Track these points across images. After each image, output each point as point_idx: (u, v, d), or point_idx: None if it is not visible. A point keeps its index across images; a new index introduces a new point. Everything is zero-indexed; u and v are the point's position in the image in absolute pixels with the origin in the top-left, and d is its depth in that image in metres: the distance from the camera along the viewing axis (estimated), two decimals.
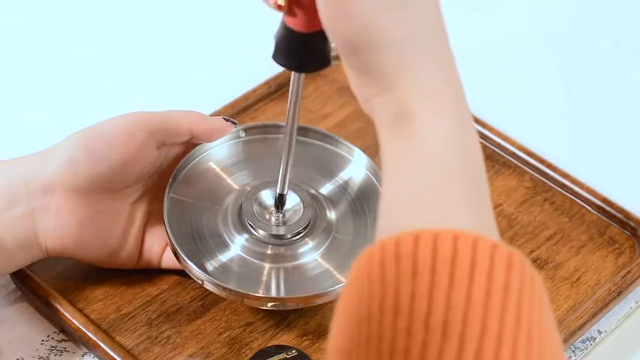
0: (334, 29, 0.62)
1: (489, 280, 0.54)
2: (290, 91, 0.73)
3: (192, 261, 0.76)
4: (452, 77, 0.63)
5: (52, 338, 0.80)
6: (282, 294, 0.78)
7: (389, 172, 0.62)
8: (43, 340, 0.80)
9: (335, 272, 0.78)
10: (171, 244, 0.78)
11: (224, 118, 0.81)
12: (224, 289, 0.75)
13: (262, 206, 0.81)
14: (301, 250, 0.79)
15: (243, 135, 0.85)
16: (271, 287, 0.78)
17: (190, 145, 0.82)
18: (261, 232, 0.79)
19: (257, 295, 0.76)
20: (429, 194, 0.59)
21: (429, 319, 0.53)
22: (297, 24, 0.66)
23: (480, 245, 0.54)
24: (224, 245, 0.80)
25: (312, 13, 0.64)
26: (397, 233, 0.55)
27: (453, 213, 0.58)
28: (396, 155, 0.61)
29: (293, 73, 0.71)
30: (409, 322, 0.53)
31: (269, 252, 0.79)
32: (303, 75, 0.72)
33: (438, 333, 0.53)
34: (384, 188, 0.61)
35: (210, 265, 0.78)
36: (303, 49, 0.67)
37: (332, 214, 0.82)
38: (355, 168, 0.84)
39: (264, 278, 0.78)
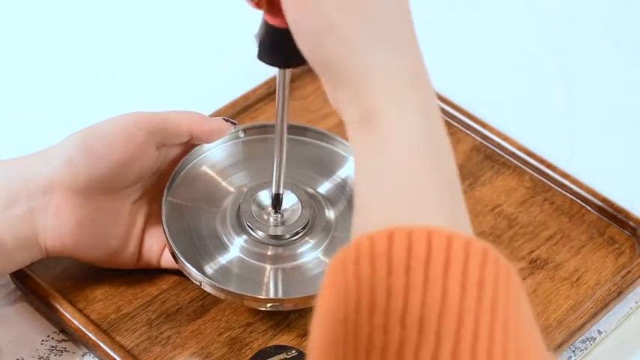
0: (295, 25, 0.62)
1: (464, 276, 0.54)
2: (277, 89, 0.73)
3: (190, 263, 0.76)
4: (418, 72, 0.62)
5: (52, 338, 0.80)
6: (282, 295, 0.78)
7: (359, 169, 0.62)
8: (43, 340, 0.80)
9: None
10: (170, 247, 0.78)
11: (223, 119, 0.81)
12: (222, 290, 0.75)
13: (260, 207, 0.81)
14: (300, 250, 0.79)
15: (242, 135, 0.85)
16: (271, 288, 0.78)
17: (189, 145, 0.82)
18: (260, 233, 0.79)
19: (255, 296, 0.76)
20: (400, 192, 0.59)
21: (405, 316, 0.53)
22: (276, 20, 0.66)
23: (454, 241, 0.54)
24: (223, 247, 0.80)
25: None
26: (371, 231, 0.55)
27: (425, 210, 0.58)
28: (365, 153, 0.61)
29: (278, 70, 0.71)
30: (385, 319, 0.53)
31: (268, 253, 0.79)
32: (288, 71, 0.72)
33: (415, 329, 0.53)
34: (357, 187, 0.62)
35: (209, 267, 0.78)
36: (286, 45, 0.67)
37: (331, 213, 0.82)
38: (352, 166, 0.84)
39: (264, 279, 0.78)
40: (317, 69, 0.64)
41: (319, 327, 0.56)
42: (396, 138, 0.60)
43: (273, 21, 0.67)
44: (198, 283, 0.77)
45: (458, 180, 0.61)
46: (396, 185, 0.59)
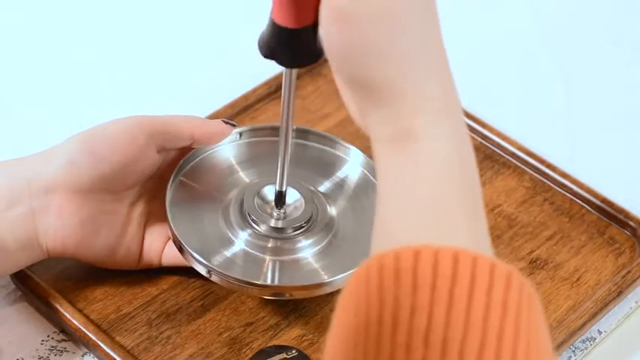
0: (333, 42, 0.62)
1: (488, 297, 0.54)
2: (283, 88, 0.73)
3: (196, 253, 0.77)
4: (450, 93, 0.63)
5: (52, 338, 0.80)
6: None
7: (387, 186, 0.61)
8: (43, 340, 0.80)
9: (338, 265, 0.78)
10: (175, 238, 0.78)
11: (223, 121, 0.82)
12: (228, 278, 0.76)
13: (264, 201, 0.81)
14: (302, 244, 0.80)
15: (239, 138, 0.85)
16: (274, 280, 0.78)
17: (188, 148, 0.82)
18: (263, 226, 0.80)
19: (263, 283, 0.76)
20: (427, 211, 0.59)
21: (429, 335, 0.53)
22: (287, 21, 0.66)
23: (480, 263, 0.55)
24: (226, 240, 0.80)
25: (301, 9, 0.64)
26: (396, 248, 0.55)
27: (451, 230, 0.59)
28: (395, 171, 0.61)
29: (285, 70, 0.72)
30: (408, 338, 0.53)
31: (270, 246, 0.79)
32: (295, 71, 0.72)
33: (438, 349, 0.53)
34: (381, 203, 0.61)
35: (212, 259, 0.78)
36: (294, 45, 0.67)
37: (332, 210, 0.82)
38: (352, 166, 0.84)
39: (265, 270, 0.78)
40: (347, 83, 0.63)
41: (337, 337, 0.56)
42: (430, 158, 0.60)
43: (284, 22, 0.66)
44: (207, 274, 0.77)
45: (482, 204, 0.61)
46: (424, 204, 0.60)
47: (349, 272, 0.76)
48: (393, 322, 0.54)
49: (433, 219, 0.59)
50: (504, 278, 0.55)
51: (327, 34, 0.62)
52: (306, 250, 0.80)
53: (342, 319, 0.56)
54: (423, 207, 0.59)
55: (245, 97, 0.96)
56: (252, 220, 0.80)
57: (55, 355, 0.79)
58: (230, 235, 0.80)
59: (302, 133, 0.86)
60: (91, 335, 0.78)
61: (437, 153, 0.61)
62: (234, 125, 0.82)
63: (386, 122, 0.62)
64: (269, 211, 0.81)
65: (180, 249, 0.78)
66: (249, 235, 0.80)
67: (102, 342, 0.77)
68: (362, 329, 0.54)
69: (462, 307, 0.53)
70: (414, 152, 0.61)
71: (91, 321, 0.79)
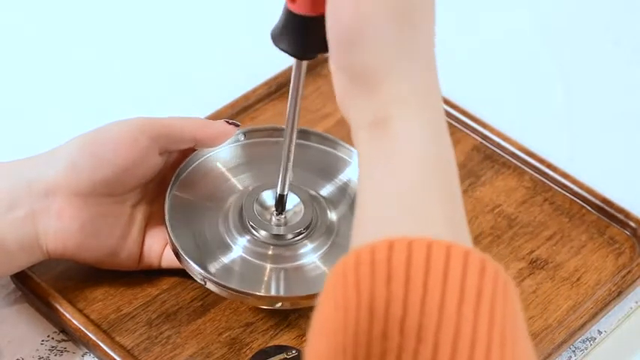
0: (336, 19, 0.63)
1: (462, 286, 0.54)
2: (292, 81, 0.73)
3: (192, 261, 0.76)
4: (434, 89, 0.64)
5: (52, 338, 0.80)
6: (283, 294, 0.78)
7: (364, 176, 0.62)
8: (43, 340, 0.80)
9: None
10: (172, 244, 0.78)
11: (225, 121, 0.81)
12: (225, 288, 0.75)
13: (263, 207, 0.81)
14: (302, 250, 0.79)
15: (242, 138, 0.85)
16: (272, 288, 0.78)
17: (190, 150, 0.82)
18: (263, 232, 0.79)
19: (259, 294, 0.76)
20: (403, 202, 0.60)
21: (404, 324, 0.54)
22: (301, 8, 0.67)
23: (453, 252, 0.55)
24: (225, 246, 0.80)
25: None
26: (371, 242, 0.56)
27: (427, 221, 0.59)
28: (371, 159, 0.62)
29: (295, 61, 0.72)
30: (384, 327, 0.54)
31: (270, 252, 0.79)
32: (304, 63, 0.72)
33: (413, 337, 0.53)
34: (359, 195, 0.62)
35: (211, 266, 0.78)
36: (307, 35, 0.67)
37: (333, 215, 0.82)
38: (354, 169, 0.84)
39: (265, 279, 0.78)
40: (338, 66, 0.65)
41: (318, 335, 0.57)
42: (405, 146, 0.61)
43: (299, 9, 0.67)
44: (202, 282, 0.77)
45: (460, 194, 0.62)
46: (401, 194, 0.60)
47: None
48: (369, 312, 0.54)
49: (408, 209, 0.60)
50: (478, 267, 0.55)
51: (332, 13, 0.63)
52: (307, 256, 0.79)
53: (321, 314, 0.57)
54: (398, 197, 0.60)
55: (245, 97, 0.96)
56: (252, 226, 0.80)
57: (55, 355, 0.79)
58: (229, 241, 0.80)
59: (303, 134, 0.85)
60: (91, 335, 0.78)
61: (411, 141, 0.61)
62: (237, 125, 0.82)
63: (366, 109, 0.63)
64: (268, 217, 0.80)
65: (178, 256, 0.78)
66: (248, 241, 0.79)
67: (102, 342, 0.77)
68: (340, 322, 0.55)
69: (436, 296, 0.54)
70: (388, 139, 0.62)
71: (91, 321, 0.79)
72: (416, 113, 0.62)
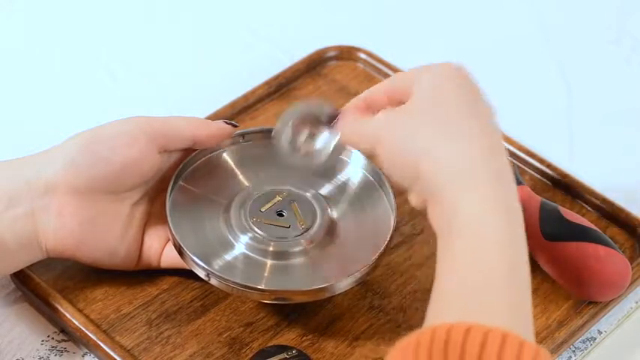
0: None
1: None
2: None
3: (195, 256, 0.77)
4: (508, 196, 0.68)
5: (52, 338, 0.80)
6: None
7: (443, 270, 0.67)
8: (43, 340, 0.80)
9: (338, 269, 0.78)
10: (174, 240, 0.78)
11: (224, 122, 0.81)
12: (228, 282, 0.76)
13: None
14: (303, 248, 0.79)
15: (241, 140, 0.85)
16: (273, 284, 0.78)
17: (190, 150, 0.82)
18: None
19: (262, 287, 0.76)
20: (475, 294, 0.65)
21: None
22: None
23: (525, 349, 0.60)
24: (226, 243, 0.80)
25: None
26: (449, 322, 0.61)
27: (496, 314, 0.64)
28: (446, 257, 0.68)
29: None
30: None
31: (271, 249, 0.79)
32: None
33: None
34: (436, 280, 0.67)
35: (213, 263, 0.78)
36: None
37: (333, 213, 0.82)
38: (353, 169, 0.84)
39: (266, 274, 0.78)
40: (416, 196, 0.71)
41: None
42: (482, 246, 0.66)
43: None
44: (206, 278, 0.77)
45: (529, 285, 0.68)
46: (477, 286, 0.65)
47: (350, 276, 0.76)
48: None
49: (479, 301, 0.65)
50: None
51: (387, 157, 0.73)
52: (307, 253, 0.80)
53: None
54: (470, 289, 0.65)
55: (245, 97, 0.96)
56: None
57: (55, 355, 0.79)
58: (231, 238, 0.80)
59: None
60: (91, 335, 0.78)
61: (487, 240, 0.67)
62: (235, 126, 0.82)
63: (441, 219, 0.69)
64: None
65: (180, 252, 0.78)
66: (250, 238, 0.80)
67: (102, 342, 0.77)
68: None
69: None
70: (466, 239, 0.67)
71: (91, 321, 0.79)
72: (485, 218, 0.67)
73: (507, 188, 0.68)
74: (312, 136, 0.78)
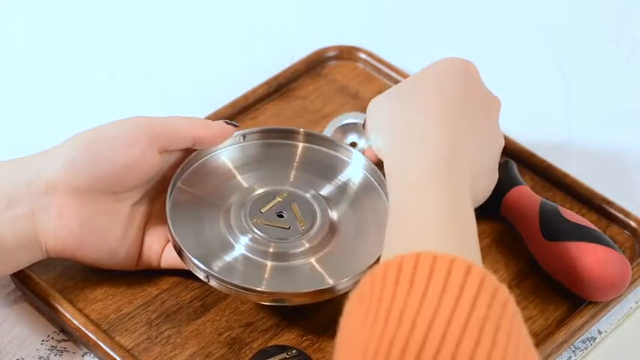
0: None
1: (460, 293, 0.62)
2: None
3: (195, 258, 0.77)
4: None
5: (52, 338, 0.80)
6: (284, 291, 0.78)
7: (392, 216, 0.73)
8: (43, 340, 0.80)
9: (339, 270, 0.78)
10: (174, 241, 0.78)
11: (225, 122, 0.81)
12: (227, 284, 0.76)
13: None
14: (303, 249, 0.79)
15: (242, 140, 0.85)
16: (273, 285, 0.78)
17: (190, 150, 0.82)
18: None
19: (261, 289, 0.76)
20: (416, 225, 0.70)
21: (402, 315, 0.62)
22: None
23: (455, 265, 0.63)
24: (226, 244, 0.80)
25: None
26: (400, 254, 0.65)
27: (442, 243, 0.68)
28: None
29: None
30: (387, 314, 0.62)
31: (271, 251, 0.79)
32: None
33: (407, 327, 0.61)
34: (390, 223, 0.72)
35: (213, 264, 0.78)
36: None
37: (333, 214, 0.82)
38: (354, 169, 0.84)
39: (266, 276, 0.78)
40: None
41: (344, 339, 0.64)
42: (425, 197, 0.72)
43: None
44: (205, 279, 0.77)
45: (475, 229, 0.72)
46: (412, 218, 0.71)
47: (350, 278, 0.76)
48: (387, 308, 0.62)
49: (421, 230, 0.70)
50: (478, 279, 0.63)
51: None
52: (308, 255, 0.79)
53: (350, 319, 0.64)
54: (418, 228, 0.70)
55: (245, 97, 0.96)
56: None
57: (55, 355, 0.79)
58: (230, 239, 0.80)
59: (305, 136, 0.85)
60: (91, 335, 0.78)
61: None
62: (235, 126, 0.82)
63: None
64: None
65: (180, 253, 0.78)
66: (250, 239, 0.80)
67: (102, 342, 0.77)
68: (364, 311, 0.63)
69: (434, 300, 0.62)
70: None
71: (91, 321, 0.79)
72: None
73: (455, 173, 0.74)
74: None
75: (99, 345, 0.77)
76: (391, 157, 0.78)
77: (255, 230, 0.80)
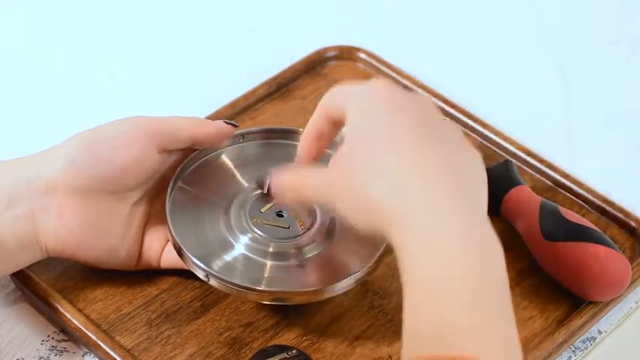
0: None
1: None
2: None
3: (195, 257, 0.77)
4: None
5: (52, 338, 0.80)
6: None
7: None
8: (43, 340, 0.80)
9: (338, 270, 0.78)
10: (174, 241, 0.78)
11: (224, 122, 0.82)
12: (227, 283, 0.76)
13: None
14: (304, 248, 0.79)
15: (241, 140, 0.85)
16: (273, 284, 0.78)
17: (189, 150, 0.82)
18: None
19: (261, 289, 0.76)
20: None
21: None
22: None
23: None
24: (226, 244, 0.80)
25: None
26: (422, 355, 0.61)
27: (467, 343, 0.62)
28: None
29: None
30: None
31: (271, 250, 0.79)
32: None
33: None
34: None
35: (213, 263, 0.78)
36: None
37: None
38: None
39: (266, 275, 0.78)
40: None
41: None
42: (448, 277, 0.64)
43: None
44: (205, 278, 0.77)
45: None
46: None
47: (349, 277, 0.76)
48: None
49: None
50: None
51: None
52: (307, 254, 0.80)
53: None
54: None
55: (245, 97, 0.96)
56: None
57: (55, 355, 0.79)
58: (230, 239, 0.80)
59: (297, 135, 0.85)
60: (91, 335, 0.78)
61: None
62: (235, 126, 0.82)
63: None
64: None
65: (180, 253, 0.78)
66: (250, 239, 0.80)
67: (102, 342, 0.77)
68: None
69: None
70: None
71: (91, 321, 0.79)
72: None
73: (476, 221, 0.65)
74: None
75: (99, 345, 0.77)
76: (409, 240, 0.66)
77: (255, 230, 0.80)
